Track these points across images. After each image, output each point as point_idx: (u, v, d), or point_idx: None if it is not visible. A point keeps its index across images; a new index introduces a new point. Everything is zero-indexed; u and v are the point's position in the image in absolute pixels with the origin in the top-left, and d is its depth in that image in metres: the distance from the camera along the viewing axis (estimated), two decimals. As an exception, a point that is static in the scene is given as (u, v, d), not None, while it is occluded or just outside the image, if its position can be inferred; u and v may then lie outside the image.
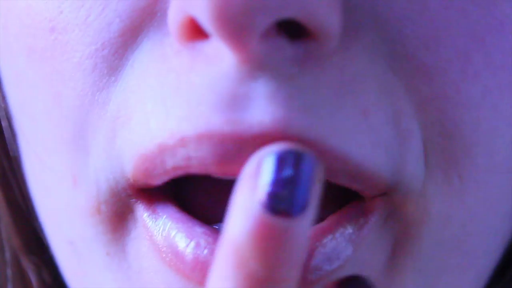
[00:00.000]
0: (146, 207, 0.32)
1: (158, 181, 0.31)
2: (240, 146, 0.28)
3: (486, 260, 0.36)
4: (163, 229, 0.31)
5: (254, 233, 0.26)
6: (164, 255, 0.31)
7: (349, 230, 0.31)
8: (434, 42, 0.30)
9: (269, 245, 0.26)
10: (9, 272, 0.42)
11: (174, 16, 0.29)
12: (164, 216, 0.31)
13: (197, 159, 0.29)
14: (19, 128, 0.36)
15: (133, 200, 0.32)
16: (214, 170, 0.29)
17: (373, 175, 0.30)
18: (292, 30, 0.28)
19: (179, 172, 0.30)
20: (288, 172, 0.27)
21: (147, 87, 0.30)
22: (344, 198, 0.32)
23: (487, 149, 0.32)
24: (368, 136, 0.29)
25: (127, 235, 0.32)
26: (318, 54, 0.29)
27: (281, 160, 0.27)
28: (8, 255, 0.42)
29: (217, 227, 0.32)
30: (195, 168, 0.29)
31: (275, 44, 0.28)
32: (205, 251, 0.30)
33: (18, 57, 0.33)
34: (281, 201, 0.26)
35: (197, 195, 0.33)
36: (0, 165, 0.41)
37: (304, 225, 0.27)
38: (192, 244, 0.30)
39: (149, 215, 0.32)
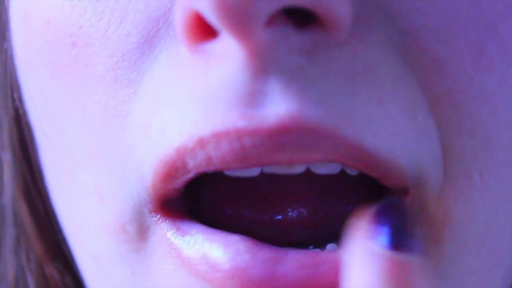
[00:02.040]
0: (170, 225, 0.32)
1: (177, 183, 0.31)
2: (257, 140, 0.28)
3: None
4: (194, 243, 0.31)
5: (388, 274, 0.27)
6: (197, 268, 0.31)
7: None
8: (445, 34, 0.30)
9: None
10: (30, 279, 0.43)
11: (180, 15, 0.29)
12: (194, 232, 0.31)
13: (218, 158, 0.29)
14: (46, 141, 0.36)
15: (155, 218, 0.32)
16: (235, 166, 0.29)
17: (389, 164, 0.30)
18: (301, 17, 0.28)
19: (200, 171, 0.30)
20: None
21: (164, 96, 0.30)
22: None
23: (505, 142, 0.31)
24: (385, 124, 0.29)
25: (150, 256, 0.32)
26: (327, 44, 0.29)
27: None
28: (31, 263, 0.42)
29: None
30: (216, 166, 0.29)
31: (280, 32, 0.28)
32: (246, 256, 0.30)
33: (42, 72, 0.34)
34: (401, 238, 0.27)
35: (206, 202, 0.34)
36: (23, 177, 0.41)
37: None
38: (230, 251, 0.30)
39: (174, 233, 0.32)
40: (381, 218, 0.29)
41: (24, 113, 0.38)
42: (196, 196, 0.34)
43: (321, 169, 0.31)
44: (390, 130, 0.29)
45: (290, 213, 0.33)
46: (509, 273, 0.36)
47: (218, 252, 0.30)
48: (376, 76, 0.29)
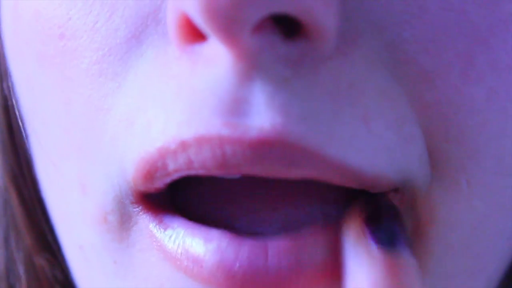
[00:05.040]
0: (152, 218, 0.32)
1: (158, 184, 0.31)
2: (238, 150, 0.28)
3: (497, 264, 0.36)
4: (175, 237, 0.31)
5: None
6: (179, 263, 0.31)
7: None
8: (434, 45, 0.29)
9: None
10: (21, 269, 0.43)
11: (171, 16, 0.29)
12: (175, 225, 0.31)
13: (198, 163, 0.29)
14: (32, 130, 0.36)
15: (137, 209, 0.32)
16: (215, 172, 0.29)
17: (374, 178, 0.30)
18: (288, 27, 0.28)
19: (181, 174, 0.30)
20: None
21: (148, 94, 0.30)
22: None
23: (495, 152, 0.31)
24: (369, 141, 0.29)
25: (132, 246, 0.32)
26: (313, 56, 0.28)
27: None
28: (21, 253, 0.42)
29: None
30: (197, 170, 0.29)
31: (267, 40, 0.28)
32: (228, 252, 0.30)
33: (28, 62, 0.33)
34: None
35: (192, 198, 0.34)
36: (11, 166, 0.41)
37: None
38: (212, 247, 0.30)
39: (156, 225, 0.31)
40: (375, 220, 0.29)
41: (13, 104, 0.38)
42: (182, 191, 0.34)
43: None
44: (374, 146, 0.29)
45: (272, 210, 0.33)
46: (491, 279, 0.36)
47: (199, 247, 0.30)
48: (361, 93, 0.29)
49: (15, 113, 0.39)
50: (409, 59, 0.29)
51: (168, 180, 0.31)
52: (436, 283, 0.33)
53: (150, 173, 0.30)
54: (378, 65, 0.29)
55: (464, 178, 0.31)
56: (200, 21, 0.27)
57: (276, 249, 0.30)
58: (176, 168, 0.29)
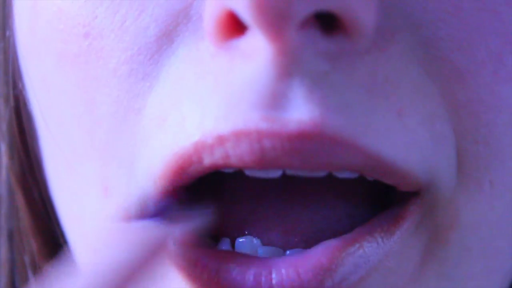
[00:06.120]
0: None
1: (185, 179, 0.30)
2: (277, 143, 0.28)
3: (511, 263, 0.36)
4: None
5: None
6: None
7: (378, 238, 0.31)
8: (467, 44, 0.30)
9: None
10: (27, 274, 0.42)
11: (212, 11, 0.28)
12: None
13: (235, 157, 0.29)
14: (46, 132, 0.35)
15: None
16: (252, 166, 0.29)
17: (405, 174, 0.30)
18: (327, 24, 0.28)
19: (215, 168, 0.30)
20: None
21: (183, 90, 0.30)
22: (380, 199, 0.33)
23: None
24: (403, 135, 0.30)
25: None
26: (351, 51, 0.29)
27: None
28: (27, 258, 0.41)
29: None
30: (233, 164, 0.29)
31: (310, 35, 0.28)
32: (235, 274, 0.30)
33: (46, 61, 0.33)
34: None
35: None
36: (21, 167, 0.40)
37: None
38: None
39: None
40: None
41: (25, 103, 0.37)
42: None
43: (343, 174, 0.31)
44: (407, 141, 0.30)
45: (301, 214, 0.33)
46: (506, 278, 0.36)
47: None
48: (396, 88, 0.30)
49: (26, 114, 0.38)
50: (443, 56, 0.30)
51: (198, 175, 0.30)
52: (455, 285, 0.33)
53: (182, 168, 0.30)
54: (413, 62, 0.30)
55: (487, 178, 0.31)
56: (247, 16, 0.27)
57: (279, 272, 0.30)
58: (211, 162, 0.29)
